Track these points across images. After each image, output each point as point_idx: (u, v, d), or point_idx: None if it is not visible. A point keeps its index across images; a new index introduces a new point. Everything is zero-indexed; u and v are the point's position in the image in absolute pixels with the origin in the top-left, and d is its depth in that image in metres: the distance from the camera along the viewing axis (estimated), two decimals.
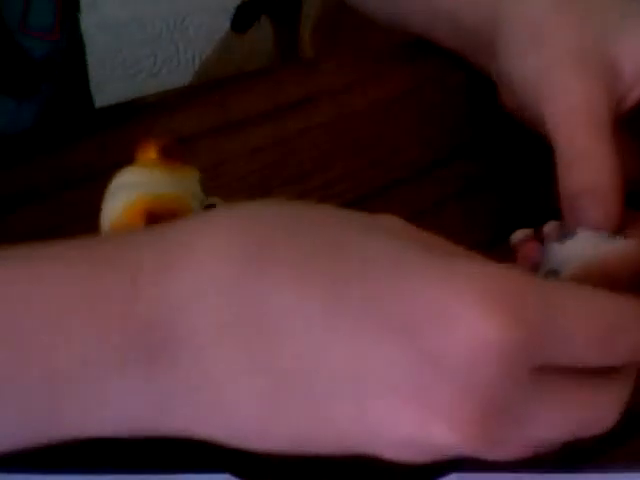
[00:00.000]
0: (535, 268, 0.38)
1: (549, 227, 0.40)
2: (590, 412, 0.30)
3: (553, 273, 0.38)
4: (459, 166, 0.50)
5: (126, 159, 0.40)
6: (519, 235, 0.40)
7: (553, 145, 0.42)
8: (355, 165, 0.49)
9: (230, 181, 0.47)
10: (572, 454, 0.35)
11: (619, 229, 0.40)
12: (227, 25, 1.39)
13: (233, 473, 0.32)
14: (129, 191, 0.38)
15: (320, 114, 0.53)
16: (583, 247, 0.38)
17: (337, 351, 0.28)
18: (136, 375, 0.30)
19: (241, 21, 1.35)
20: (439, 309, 0.28)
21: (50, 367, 0.30)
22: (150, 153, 0.39)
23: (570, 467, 0.35)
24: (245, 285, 0.29)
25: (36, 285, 0.31)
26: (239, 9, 1.36)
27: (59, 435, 0.32)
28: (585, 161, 0.40)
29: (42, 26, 0.56)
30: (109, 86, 0.82)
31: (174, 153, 0.40)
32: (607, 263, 0.37)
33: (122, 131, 0.51)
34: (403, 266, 0.29)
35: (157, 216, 0.37)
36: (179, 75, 1.80)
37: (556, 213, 0.41)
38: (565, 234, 0.39)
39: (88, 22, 0.65)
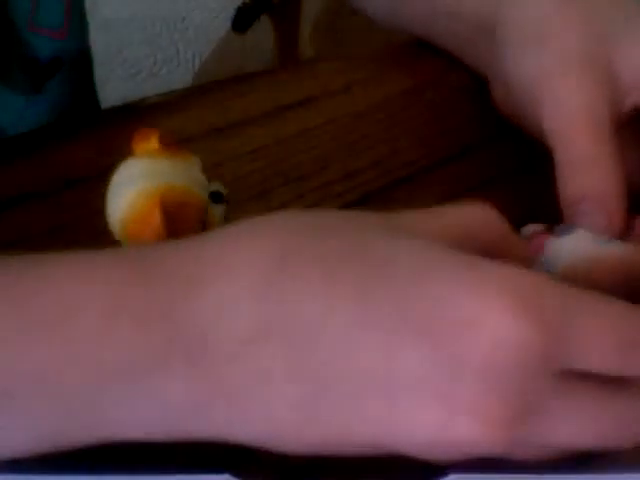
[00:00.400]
0: (534, 262, 0.38)
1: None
2: (611, 422, 0.31)
3: (547, 268, 0.38)
4: (459, 166, 0.50)
5: (126, 159, 0.40)
6: (529, 229, 0.40)
7: (552, 149, 0.42)
8: (355, 165, 0.49)
9: (230, 181, 0.47)
10: (572, 454, 0.35)
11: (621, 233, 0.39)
12: (227, 25, 1.39)
13: (233, 473, 0.33)
14: (140, 182, 0.38)
15: (320, 114, 0.53)
16: (577, 246, 0.38)
17: (368, 352, 0.29)
18: (176, 376, 0.31)
19: (241, 21, 1.35)
20: (465, 313, 0.29)
21: (97, 366, 0.31)
22: (152, 143, 0.39)
23: (570, 467, 0.35)
24: (277, 292, 0.30)
25: (87, 286, 0.32)
26: (239, 9, 1.36)
27: (98, 435, 0.32)
28: (587, 166, 0.40)
29: (50, 25, 0.57)
30: (109, 86, 0.82)
31: (170, 141, 0.40)
32: (594, 266, 0.37)
33: (122, 131, 0.51)
34: (428, 267, 0.30)
35: (170, 207, 0.38)
36: (179, 75, 1.80)
37: (556, 214, 0.41)
38: (564, 230, 0.39)
39: (88, 22, 0.65)
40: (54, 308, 0.31)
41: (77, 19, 0.60)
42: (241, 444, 0.32)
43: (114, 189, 0.39)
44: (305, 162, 0.50)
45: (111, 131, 0.52)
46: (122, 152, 0.40)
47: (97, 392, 0.31)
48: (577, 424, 0.31)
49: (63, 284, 0.32)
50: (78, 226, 0.46)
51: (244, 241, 0.32)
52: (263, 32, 1.33)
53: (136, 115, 0.53)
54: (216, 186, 0.41)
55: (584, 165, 0.40)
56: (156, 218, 0.37)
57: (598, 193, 0.39)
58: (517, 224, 0.41)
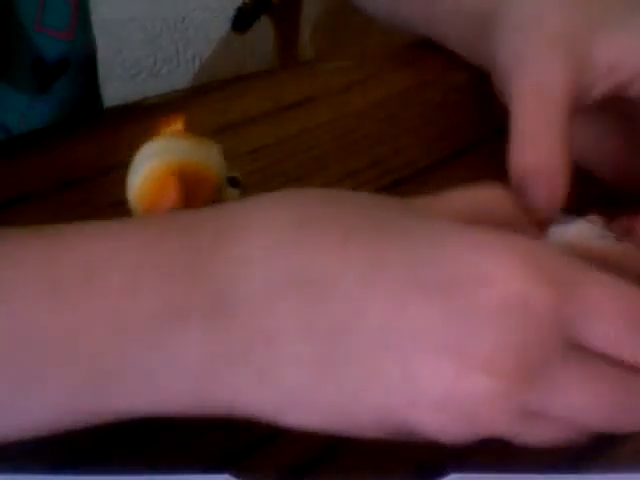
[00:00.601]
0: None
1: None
2: (620, 400, 0.31)
3: None
4: (459, 166, 0.50)
5: (126, 159, 0.40)
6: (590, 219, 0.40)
7: (511, 122, 0.42)
8: (355, 165, 0.50)
9: None
10: (572, 454, 0.35)
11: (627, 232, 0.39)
12: (227, 25, 1.39)
13: (233, 473, 0.33)
14: (159, 156, 0.39)
15: (320, 114, 0.53)
16: (570, 236, 0.39)
17: (380, 307, 0.30)
18: (193, 331, 0.31)
19: (241, 21, 1.35)
20: (477, 270, 0.30)
21: (119, 321, 0.31)
22: (177, 125, 0.40)
23: (570, 467, 0.35)
24: (292, 252, 0.31)
25: (117, 243, 0.33)
26: (239, 9, 1.37)
27: (116, 409, 0.32)
28: (534, 143, 0.41)
29: (57, 25, 0.57)
30: (109, 86, 0.82)
31: (194, 127, 0.40)
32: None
33: (122, 131, 0.51)
34: (441, 234, 0.31)
35: (188, 180, 0.38)
36: (179, 75, 1.80)
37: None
38: (566, 218, 0.39)
39: None
40: (84, 264, 0.32)
41: (83, 20, 0.60)
42: (251, 417, 0.31)
43: (135, 165, 0.40)
44: (305, 162, 0.50)
45: (111, 131, 0.52)
46: (122, 152, 0.40)
47: (117, 357, 0.31)
48: (585, 396, 0.31)
49: (96, 241, 0.33)
50: None
51: (264, 207, 0.33)
52: (263, 32, 1.33)
53: (136, 115, 0.53)
54: (235, 173, 0.42)
55: (532, 142, 0.41)
56: (173, 189, 0.38)
57: (540, 166, 0.40)
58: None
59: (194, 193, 0.39)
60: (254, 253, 0.31)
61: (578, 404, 0.31)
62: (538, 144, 0.41)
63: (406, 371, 0.30)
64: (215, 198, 0.40)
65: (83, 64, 0.61)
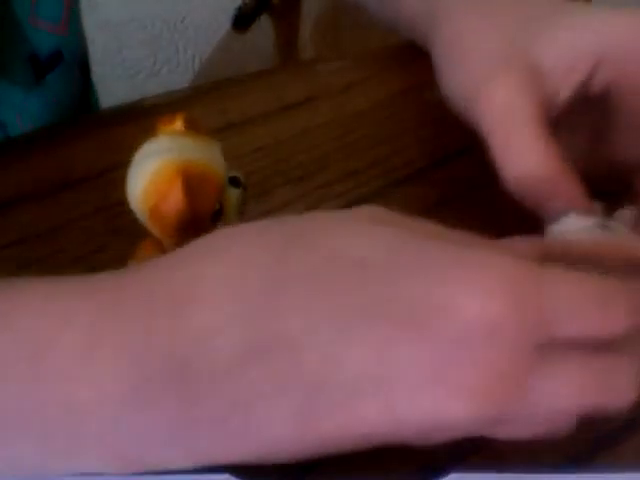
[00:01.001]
0: None
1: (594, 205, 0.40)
2: (601, 382, 0.31)
3: None
4: (459, 166, 0.50)
5: (126, 159, 0.40)
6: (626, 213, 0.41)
7: (491, 148, 0.42)
8: (355, 165, 0.50)
9: None
10: (572, 454, 0.35)
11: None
12: (227, 25, 1.39)
13: (233, 473, 0.32)
14: (162, 155, 0.38)
15: (320, 114, 0.53)
16: (561, 231, 0.39)
17: (356, 355, 0.30)
18: (160, 408, 0.31)
19: (241, 20, 1.35)
20: (441, 299, 0.30)
21: (70, 401, 0.31)
22: (176, 124, 0.39)
23: (570, 467, 0.35)
24: (259, 313, 0.31)
25: (60, 320, 0.32)
26: (239, 9, 1.37)
27: (76, 467, 0.32)
28: (522, 160, 0.41)
29: (50, 18, 0.57)
30: (109, 86, 0.82)
31: (195, 126, 0.40)
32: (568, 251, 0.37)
33: (122, 131, 0.51)
34: (398, 264, 0.31)
35: (192, 181, 0.38)
36: (179, 75, 1.80)
37: None
38: (560, 214, 0.39)
39: (88, 22, 0.65)
40: (28, 344, 0.32)
41: (75, 15, 0.60)
42: (234, 465, 0.32)
43: (137, 164, 0.39)
44: (305, 162, 0.50)
45: (111, 131, 0.52)
46: (122, 152, 0.40)
47: (74, 431, 0.31)
48: (569, 388, 0.31)
49: (40, 315, 0.32)
50: (77, 226, 0.46)
51: (221, 264, 0.32)
52: (263, 32, 1.33)
53: (136, 115, 0.53)
54: (236, 173, 0.42)
55: (519, 159, 0.41)
56: (178, 190, 0.38)
57: (534, 183, 0.40)
58: (517, 223, 0.41)
59: (199, 194, 0.38)
60: (216, 323, 0.31)
61: (562, 398, 0.31)
62: (528, 160, 0.40)
63: (389, 408, 0.30)
64: (219, 198, 0.40)
65: (76, 58, 0.61)
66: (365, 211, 0.34)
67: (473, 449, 0.34)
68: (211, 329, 0.31)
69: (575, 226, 0.39)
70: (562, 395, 0.31)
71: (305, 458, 0.31)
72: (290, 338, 0.30)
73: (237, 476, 0.32)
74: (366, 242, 0.32)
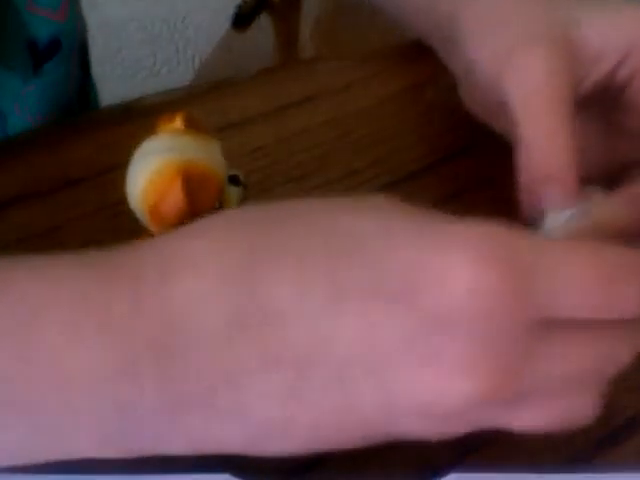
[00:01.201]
0: None
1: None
2: (607, 352, 0.30)
3: None
4: (459, 165, 0.50)
5: (126, 158, 0.40)
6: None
7: (517, 127, 0.41)
8: (355, 164, 0.50)
9: None
10: (572, 454, 0.35)
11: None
12: (227, 25, 1.39)
13: (233, 473, 0.32)
14: (163, 154, 0.38)
15: (320, 114, 0.53)
16: (554, 229, 0.39)
17: (347, 331, 0.29)
18: (146, 381, 0.30)
19: (241, 19, 1.35)
20: (434, 271, 0.28)
21: (60, 377, 0.30)
22: (176, 122, 0.39)
23: (570, 467, 0.35)
24: (245, 282, 0.30)
25: (51, 291, 0.31)
26: (239, 7, 1.37)
27: (68, 450, 0.32)
28: (545, 149, 0.40)
29: (49, 5, 0.56)
30: (109, 85, 0.82)
31: (195, 124, 0.40)
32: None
33: (122, 131, 0.51)
34: (392, 235, 0.30)
35: (192, 180, 0.38)
36: (179, 75, 1.80)
37: None
38: (537, 218, 0.39)
39: (88, 22, 0.65)
40: (18, 310, 0.31)
41: (74, 3, 0.60)
42: (220, 453, 0.31)
43: (135, 162, 0.39)
44: (306, 161, 0.50)
45: (110, 131, 0.51)
46: (122, 151, 0.40)
47: (62, 407, 0.31)
48: (569, 365, 0.30)
49: (27, 287, 0.32)
50: (77, 226, 0.46)
51: (213, 235, 0.31)
52: (263, 32, 1.33)
53: (135, 115, 0.53)
54: (236, 171, 0.42)
55: (549, 142, 0.40)
56: (178, 189, 0.37)
57: (553, 171, 0.40)
58: (517, 224, 0.41)
59: (199, 193, 0.38)
60: (201, 290, 0.30)
61: (563, 374, 0.30)
62: (550, 149, 0.40)
63: (383, 390, 0.29)
64: (219, 197, 0.40)
65: (74, 47, 0.61)
66: (369, 201, 0.33)
67: (473, 449, 0.34)
68: (196, 297, 0.30)
69: (558, 222, 0.39)
70: (562, 373, 0.30)
71: (303, 453, 0.31)
72: (279, 309, 0.29)
73: (237, 476, 0.32)
74: (359, 216, 0.31)
